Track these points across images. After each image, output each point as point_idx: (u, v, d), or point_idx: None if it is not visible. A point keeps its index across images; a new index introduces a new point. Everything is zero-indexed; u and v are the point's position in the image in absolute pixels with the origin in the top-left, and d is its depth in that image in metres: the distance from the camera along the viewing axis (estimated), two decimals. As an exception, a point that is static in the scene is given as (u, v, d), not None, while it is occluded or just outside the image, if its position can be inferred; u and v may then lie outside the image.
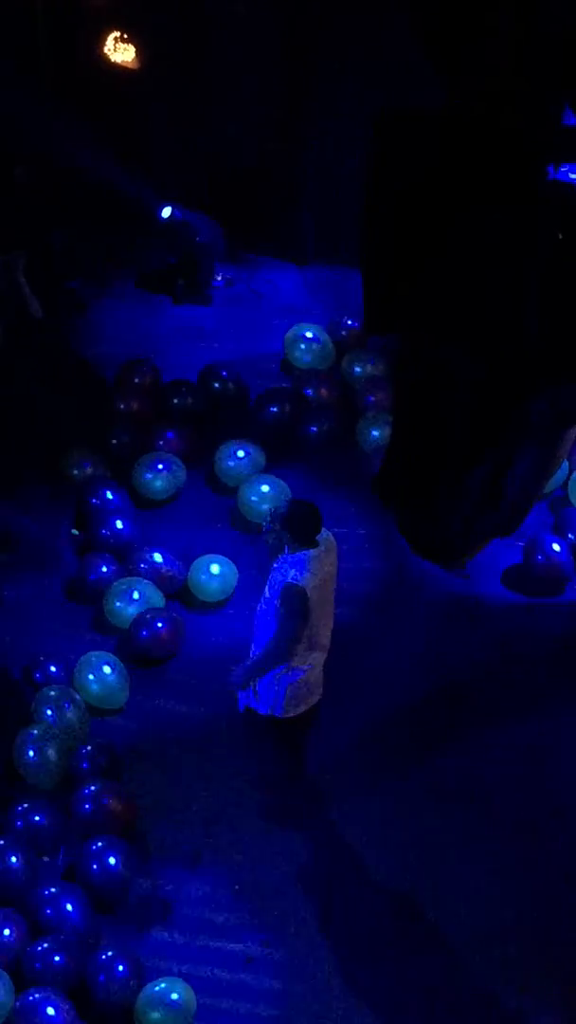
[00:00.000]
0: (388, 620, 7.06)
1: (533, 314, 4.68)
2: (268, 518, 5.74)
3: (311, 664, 5.57)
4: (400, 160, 4.96)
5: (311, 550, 5.45)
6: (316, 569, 5.43)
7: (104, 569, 6.90)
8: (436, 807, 6.23)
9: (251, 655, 5.69)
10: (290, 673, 5.55)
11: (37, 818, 5.96)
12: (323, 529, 5.56)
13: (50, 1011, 5.15)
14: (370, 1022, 5.40)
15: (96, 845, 5.83)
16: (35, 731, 6.21)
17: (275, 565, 5.54)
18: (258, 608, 5.65)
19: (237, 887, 5.88)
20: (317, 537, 5.47)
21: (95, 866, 5.80)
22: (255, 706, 5.65)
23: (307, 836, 6.10)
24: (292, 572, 5.39)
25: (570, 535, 7.31)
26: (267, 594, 5.50)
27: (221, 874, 5.93)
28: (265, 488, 7.45)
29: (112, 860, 5.82)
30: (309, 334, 8.35)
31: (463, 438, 5.10)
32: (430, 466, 5.28)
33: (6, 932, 5.49)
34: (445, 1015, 5.42)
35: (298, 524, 5.50)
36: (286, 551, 5.52)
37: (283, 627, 5.39)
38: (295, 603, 5.32)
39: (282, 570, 5.45)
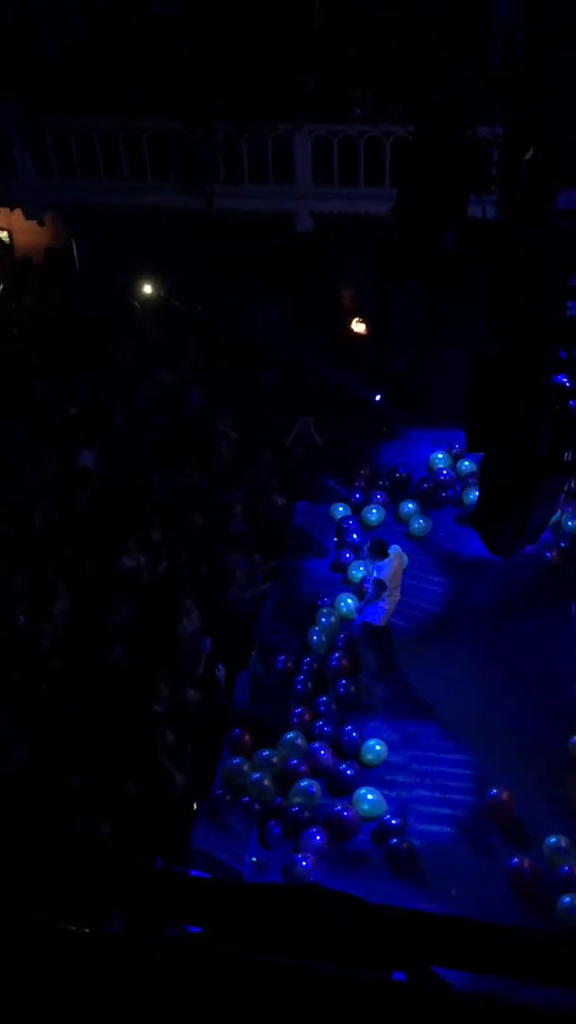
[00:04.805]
0: (461, 578, 11.56)
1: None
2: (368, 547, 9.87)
3: (387, 601, 10.00)
4: (487, 385, 7.65)
5: (384, 559, 9.72)
6: (389, 566, 9.73)
7: (348, 556, 12.15)
8: (477, 661, 10.46)
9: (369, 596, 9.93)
10: (382, 602, 9.97)
11: (316, 666, 10.59)
12: (394, 547, 9.81)
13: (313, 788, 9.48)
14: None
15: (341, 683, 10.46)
16: (316, 627, 11.02)
17: (373, 566, 9.88)
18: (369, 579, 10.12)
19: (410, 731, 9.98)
20: (389, 551, 9.79)
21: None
22: (369, 619, 10.11)
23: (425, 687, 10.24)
24: (376, 570, 9.66)
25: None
26: (374, 574, 9.94)
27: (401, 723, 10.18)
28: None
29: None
30: (440, 455, 13.48)
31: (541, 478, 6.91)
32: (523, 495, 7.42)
33: (322, 753, 9.59)
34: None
35: (374, 550, 9.89)
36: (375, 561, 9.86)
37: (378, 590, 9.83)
38: (377, 587, 9.85)
39: (377, 568, 9.86)
